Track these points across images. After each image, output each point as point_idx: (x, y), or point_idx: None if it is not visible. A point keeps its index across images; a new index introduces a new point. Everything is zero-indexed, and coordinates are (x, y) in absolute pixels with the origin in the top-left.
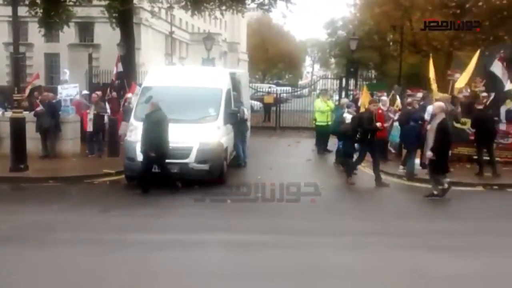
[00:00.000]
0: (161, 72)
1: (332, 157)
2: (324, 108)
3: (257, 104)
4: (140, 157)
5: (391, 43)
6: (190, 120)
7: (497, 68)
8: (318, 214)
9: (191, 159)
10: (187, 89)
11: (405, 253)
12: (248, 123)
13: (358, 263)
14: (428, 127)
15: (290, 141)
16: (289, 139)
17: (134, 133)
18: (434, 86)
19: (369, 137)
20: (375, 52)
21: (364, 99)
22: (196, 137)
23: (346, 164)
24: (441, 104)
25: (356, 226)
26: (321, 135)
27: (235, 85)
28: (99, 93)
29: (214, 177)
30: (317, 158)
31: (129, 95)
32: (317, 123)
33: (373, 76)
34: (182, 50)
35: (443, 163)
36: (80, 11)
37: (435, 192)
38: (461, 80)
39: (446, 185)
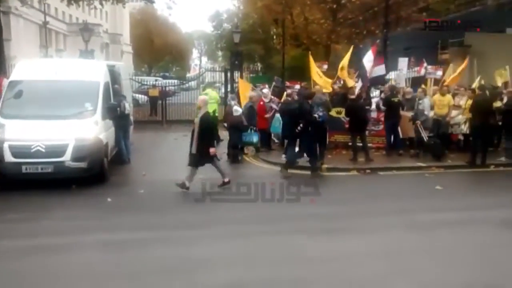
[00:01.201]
0: (31, 65)
1: (218, 149)
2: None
3: (142, 98)
4: (8, 157)
5: (274, 37)
6: (64, 115)
7: (368, 57)
8: (199, 208)
9: (66, 157)
10: (61, 83)
11: (284, 239)
12: (131, 117)
13: (236, 252)
14: (195, 120)
15: (177, 135)
16: (176, 133)
17: (0, 132)
18: (318, 79)
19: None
20: (260, 45)
21: (242, 90)
22: (71, 133)
23: (232, 155)
24: (204, 97)
25: (238, 216)
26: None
27: (115, 78)
28: None
29: (93, 175)
30: None
31: None
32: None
33: (259, 68)
34: (59, 41)
35: (205, 156)
36: None
37: (187, 184)
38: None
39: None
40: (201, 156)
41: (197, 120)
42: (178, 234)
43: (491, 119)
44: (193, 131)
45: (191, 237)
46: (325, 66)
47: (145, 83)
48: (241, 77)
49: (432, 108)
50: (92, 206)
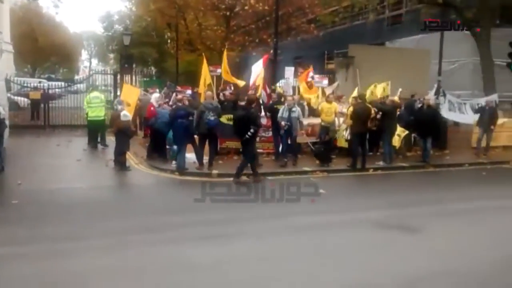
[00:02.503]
0: None
1: (104, 155)
2: None
3: (24, 101)
4: None
5: (168, 41)
6: None
7: (257, 67)
8: (79, 218)
9: None
10: None
11: (169, 247)
12: (6, 122)
13: (117, 263)
14: None
15: (60, 141)
16: (60, 138)
17: None
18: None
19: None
20: (153, 49)
21: (128, 95)
22: None
23: (120, 162)
24: None
25: (121, 225)
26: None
27: None
28: None
29: None
30: (90, 157)
31: None
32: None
33: (153, 72)
34: None
35: None
36: None
37: None
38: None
39: None
40: None
41: None
42: (55, 246)
43: (369, 125)
44: None
45: (69, 249)
46: (219, 70)
47: (26, 85)
48: (131, 80)
49: (319, 115)
50: None
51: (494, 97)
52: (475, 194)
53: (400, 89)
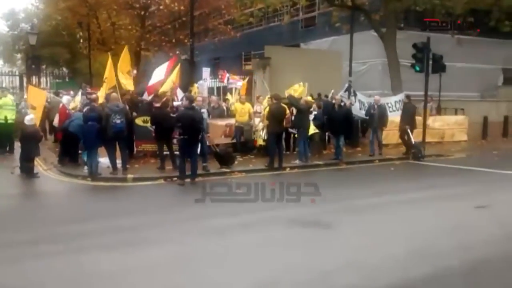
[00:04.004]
0: None
1: (9, 162)
2: None
3: None
4: None
5: (81, 40)
6: None
7: (162, 68)
8: None
9: None
10: None
11: (77, 257)
12: None
13: (23, 276)
14: None
15: None
16: None
17: None
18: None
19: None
20: (65, 49)
21: (34, 99)
22: None
23: (27, 169)
24: None
25: (26, 236)
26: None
27: None
28: None
29: None
30: None
31: None
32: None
33: (65, 73)
34: None
35: None
36: None
37: None
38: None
39: None
40: None
41: None
42: None
43: (285, 125)
44: None
45: None
46: (135, 72)
47: None
48: (39, 82)
49: (234, 115)
50: None
51: (401, 96)
52: (384, 189)
53: (332, 91)
